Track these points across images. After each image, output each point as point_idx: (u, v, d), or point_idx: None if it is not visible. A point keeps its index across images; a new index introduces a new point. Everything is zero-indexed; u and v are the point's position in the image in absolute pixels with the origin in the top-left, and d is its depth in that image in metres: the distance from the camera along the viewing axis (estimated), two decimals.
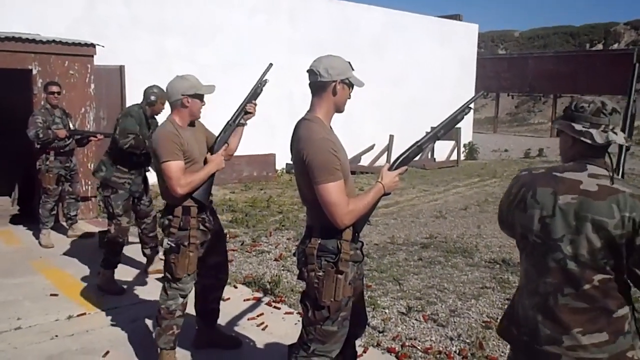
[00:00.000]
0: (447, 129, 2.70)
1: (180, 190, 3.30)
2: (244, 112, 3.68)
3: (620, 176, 2.17)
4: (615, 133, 2.03)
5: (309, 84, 2.63)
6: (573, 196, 2.02)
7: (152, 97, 5.05)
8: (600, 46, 37.04)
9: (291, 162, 7.70)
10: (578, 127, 2.06)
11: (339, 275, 2.55)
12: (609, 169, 2.04)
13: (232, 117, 3.68)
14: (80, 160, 7.24)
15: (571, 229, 2.02)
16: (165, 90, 3.60)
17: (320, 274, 2.56)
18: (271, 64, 3.72)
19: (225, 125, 3.68)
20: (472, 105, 2.75)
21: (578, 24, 41.65)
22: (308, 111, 2.66)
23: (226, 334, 4.06)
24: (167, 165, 3.28)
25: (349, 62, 2.65)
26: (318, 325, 2.61)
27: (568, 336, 2.04)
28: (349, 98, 2.68)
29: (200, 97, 3.48)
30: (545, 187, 2.09)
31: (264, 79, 3.72)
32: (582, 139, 2.03)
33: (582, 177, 2.03)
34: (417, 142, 2.69)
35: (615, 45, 36.00)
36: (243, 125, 3.72)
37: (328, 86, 2.58)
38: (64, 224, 7.05)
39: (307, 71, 2.62)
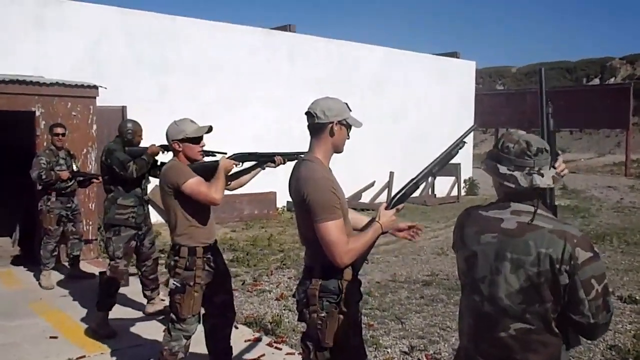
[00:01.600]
0: (442, 165, 2.70)
1: (217, 195, 3.40)
2: (272, 160, 3.80)
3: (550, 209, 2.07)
4: (542, 175, 1.93)
5: (307, 126, 2.68)
6: (493, 235, 1.97)
7: (129, 136, 5.15)
8: (597, 81, 37.41)
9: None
10: (502, 169, 1.97)
11: (341, 316, 2.55)
12: (537, 206, 1.95)
13: (261, 154, 3.83)
14: (81, 200, 7.26)
15: (491, 269, 1.96)
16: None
17: (323, 315, 2.55)
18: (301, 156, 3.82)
19: (253, 153, 3.82)
20: (466, 140, 2.77)
21: (574, 59, 42.12)
22: (307, 152, 2.70)
23: None
24: (189, 183, 3.37)
25: (346, 103, 2.69)
26: None
27: None
28: (348, 138, 2.72)
29: (192, 140, 3.54)
30: (471, 226, 2.07)
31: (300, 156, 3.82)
32: (506, 183, 1.95)
33: (504, 215, 1.97)
34: (413, 179, 2.71)
35: (612, 80, 36.37)
36: (262, 168, 3.86)
37: (325, 127, 2.62)
38: (66, 264, 7.03)
39: (305, 113, 2.67)
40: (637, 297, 6.03)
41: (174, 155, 3.59)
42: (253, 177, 3.94)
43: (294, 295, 2.78)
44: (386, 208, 2.67)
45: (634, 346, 4.62)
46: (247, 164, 3.82)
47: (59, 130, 6.54)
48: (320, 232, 2.48)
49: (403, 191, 2.68)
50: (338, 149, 2.70)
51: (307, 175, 2.57)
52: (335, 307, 2.55)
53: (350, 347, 2.64)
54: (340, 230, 2.48)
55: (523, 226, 1.91)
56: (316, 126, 2.64)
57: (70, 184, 6.58)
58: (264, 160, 3.82)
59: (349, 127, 2.69)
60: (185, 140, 3.52)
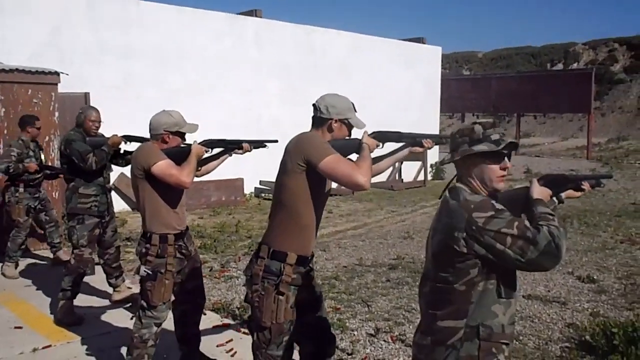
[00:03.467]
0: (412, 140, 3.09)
1: (187, 179, 3.38)
2: (239, 147, 3.84)
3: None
4: (451, 155, 2.20)
5: (312, 117, 2.79)
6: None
7: (81, 118, 5.15)
8: (560, 66, 38.01)
9: (260, 187, 7.85)
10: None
11: (280, 296, 2.62)
12: (468, 184, 2.15)
13: (229, 140, 3.85)
14: (45, 188, 7.14)
15: (428, 235, 2.28)
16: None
17: (262, 293, 2.63)
18: (266, 143, 3.88)
19: (221, 140, 3.83)
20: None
21: (539, 44, 42.71)
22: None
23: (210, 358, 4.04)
24: (160, 164, 3.34)
25: (353, 103, 2.81)
26: (263, 349, 2.66)
27: (418, 332, 2.26)
28: (348, 136, 2.83)
29: (181, 134, 3.57)
30: None
31: (265, 144, 3.91)
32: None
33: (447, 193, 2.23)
34: (402, 134, 3.09)
35: (575, 65, 37.00)
36: (229, 155, 3.90)
37: (325, 122, 2.74)
38: (48, 252, 6.99)
39: (312, 105, 2.79)
40: (594, 277, 6.24)
41: (152, 142, 3.56)
42: (220, 163, 3.98)
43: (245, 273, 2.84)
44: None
45: (590, 324, 4.79)
46: (215, 150, 3.84)
47: (37, 123, 6.49)
48: (327, 168, 2.51)
49: (387, 131, 2.93)
50: None
51: (301, 135, 2.68)
52: (274, 287, 2.61)
53: (303, 326, 2.71)
54: (343, 159, 2.55)
55: (444, 200, 2.16)
56: (318, 119, 2.76)
57: (38, 175, 6.49)
58: (231, 147, 3.85)
59: (350, 126, 2.80)
60: (176, 133, 3.54)
